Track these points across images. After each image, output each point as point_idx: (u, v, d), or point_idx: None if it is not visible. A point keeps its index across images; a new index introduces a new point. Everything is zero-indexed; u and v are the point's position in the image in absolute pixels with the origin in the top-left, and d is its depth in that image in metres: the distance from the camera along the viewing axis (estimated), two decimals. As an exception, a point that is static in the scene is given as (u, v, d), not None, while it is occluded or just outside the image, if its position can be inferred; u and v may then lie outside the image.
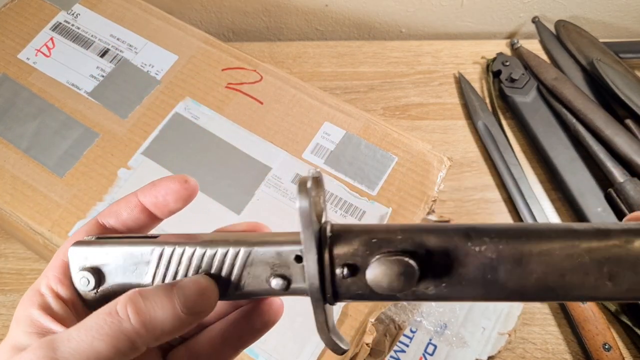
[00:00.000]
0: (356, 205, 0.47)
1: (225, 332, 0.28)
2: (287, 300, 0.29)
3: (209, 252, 0.25)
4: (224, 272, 0.25)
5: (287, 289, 0.25)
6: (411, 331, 0.54)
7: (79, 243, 0.26)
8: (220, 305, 0.28)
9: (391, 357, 0.52)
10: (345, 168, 0.49)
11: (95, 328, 0.22)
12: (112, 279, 0.26)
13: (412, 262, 0.22)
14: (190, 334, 0.28)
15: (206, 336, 0.28)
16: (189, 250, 0.25)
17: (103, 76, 0.53)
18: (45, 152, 0.49)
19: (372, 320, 0.43)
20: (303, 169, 0.49)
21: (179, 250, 0.25)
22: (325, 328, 0.24)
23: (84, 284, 0.25)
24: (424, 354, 0.53)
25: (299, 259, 0.24)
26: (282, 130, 0.50)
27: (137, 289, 0.24)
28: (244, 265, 0.25)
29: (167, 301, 0.23)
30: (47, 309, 0.24)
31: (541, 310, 0.57)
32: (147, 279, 0.25)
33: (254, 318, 0.27)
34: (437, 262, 0.23)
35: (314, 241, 0.23)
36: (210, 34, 0.56)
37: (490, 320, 0.54)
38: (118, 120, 0.51)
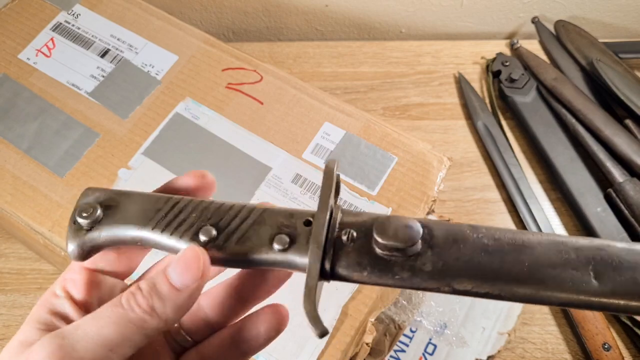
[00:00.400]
0: (356, 205, 0.47)
1: (235, 337, 0.28)
2: (287, 301, 0.29)
3: (225, 206, 0.26)
4: (231, 226, 0.25)
5: (286, 250, 0.24)
6: (411, 331, 0.54)
7: (96, 188, 0.26)
8: (230, 307, 0.29)
9: (391, 356, 0.52)
10: (345, 168, 0.49)
11: (102, 317, 0.22)
12: (114, 221, 0.25)
13: (417, 222, 0.24)
14: (202, 338, 0.29)
15: (216, 340, 0.29)
16: (205, 202, 0.26)
17: (103, 76, 0.53)
18: (45, 152, 0.49)
19: (372, 319, 0.43)
20: (303, 169, 0.49)
21: (195, 201, 0.26)
22: (313, 297, 0.23)
23: (86, 213, 0.25)
24: (423, 354, 0.53)
25: (308, 223, 0.25)
26: (282, 130, 0.51)
27: (135, 283, 0.24)
28: (253, 222, 0.25)
29: (165, 289, 0.23)
30: (59, 312, 0.24)
31: (541, 310, 0.57)
32: (148, 227, 0.25)
33: (261, 324, 0.28)
34: (437, 240, 0.24)
35: (330, 200, 0.24)
36: (210, 34, 0.56)
37: (490, 320, 0.54)
38: (118, 121, 0.51)
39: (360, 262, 0.24)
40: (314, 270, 0.23)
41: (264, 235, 0.25)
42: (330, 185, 0.25)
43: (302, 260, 0.24)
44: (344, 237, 0.24)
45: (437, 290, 0.24)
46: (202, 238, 0.25)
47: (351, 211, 0.26)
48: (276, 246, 0.24)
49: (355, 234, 0.24)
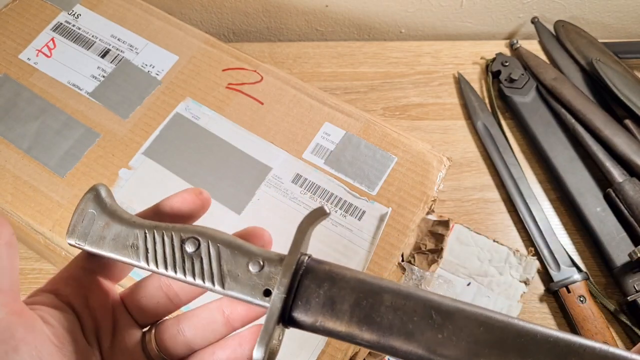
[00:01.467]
0: (356, 205, 0.47)
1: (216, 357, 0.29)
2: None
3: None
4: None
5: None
6: (411, 330, 0.54)
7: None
8: (214, 330, 0.29)
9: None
10: (345, 168, 0.49)
11: None
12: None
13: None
14: (183, 357, 0.29)
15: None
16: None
17: (104, 76, 0.53)
18: (46, 152, 0.50)
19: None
20: (303, 169, 0.49)
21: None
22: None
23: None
24: (423, 353, 0.53)
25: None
26: (283, 130, 0.51)
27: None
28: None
29: None
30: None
31: (540, 310, 0.57)
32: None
33: (222, 350, 0.29)
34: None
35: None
36: (210, 35, 0.56)
37: (490, 320, 0.54)
38: (119, 121, 0.51)
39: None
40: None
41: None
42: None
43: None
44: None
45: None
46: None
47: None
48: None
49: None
